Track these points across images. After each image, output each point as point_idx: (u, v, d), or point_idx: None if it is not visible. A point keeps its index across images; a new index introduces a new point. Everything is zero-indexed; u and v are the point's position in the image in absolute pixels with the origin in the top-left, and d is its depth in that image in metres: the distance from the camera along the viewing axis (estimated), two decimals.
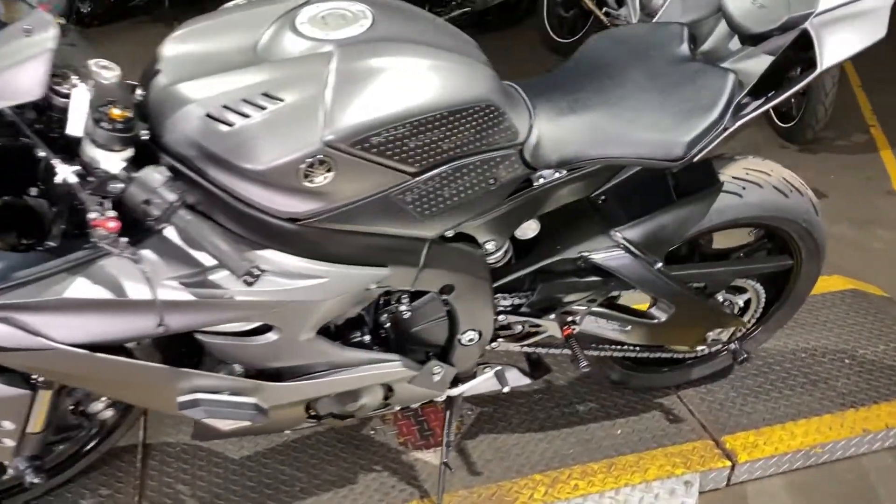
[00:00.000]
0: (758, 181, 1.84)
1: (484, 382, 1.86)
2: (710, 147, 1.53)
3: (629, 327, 1.89)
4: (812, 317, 2.62)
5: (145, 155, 1.25)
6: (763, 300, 2.07)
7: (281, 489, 1.98)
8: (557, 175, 1.56)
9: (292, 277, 1.35)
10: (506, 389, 1.84)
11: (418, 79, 1.32)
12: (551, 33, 5.14)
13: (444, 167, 1.40)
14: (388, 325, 1.65)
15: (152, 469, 2.03)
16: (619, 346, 1.99)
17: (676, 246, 1.82)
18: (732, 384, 2.33)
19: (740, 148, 3.95)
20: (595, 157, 1.53)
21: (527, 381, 1.96)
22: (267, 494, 1.97)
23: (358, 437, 2.13)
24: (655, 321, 1.89)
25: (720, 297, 2.00)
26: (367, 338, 1.61)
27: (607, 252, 1.73)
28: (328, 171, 1.25)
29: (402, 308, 1.61)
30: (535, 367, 2.03)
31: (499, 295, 1.75)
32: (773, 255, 2.02)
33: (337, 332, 1.60)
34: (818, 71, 1.44)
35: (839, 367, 2.41)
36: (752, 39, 1.60)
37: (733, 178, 1.83)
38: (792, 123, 4.06)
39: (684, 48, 1.64)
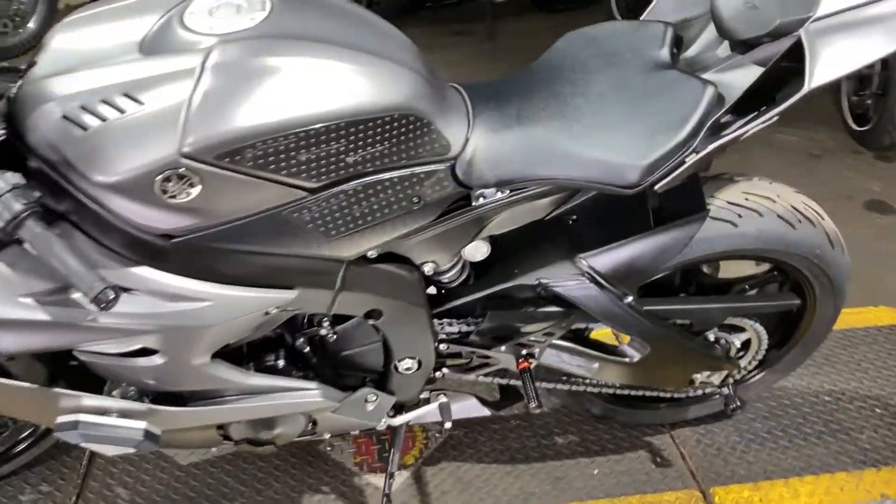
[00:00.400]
0: (758, 208, 1.58)
1: (431, 413, 1.69)
2: (675, 173, 1.30)
3: (596, 364, 1.68)
4: (846, 354, 2.32)
5: (10, 156, 1.13)
6: (765, 342, 1.81)
7: (220, 502, 1.87)
8: (500, 195, 1.36)
9: (169, 299, 1.21)
10: (447, 425, 1.66)
11: (309, 82, 1.14)
12: (618, 16, 4.86)
13: (351, 184, 1.22)
14: (313, 349, 1.50)
15: (97, 468, 1.95)
16: (594, 381, 1.78)
17: (653, 278, 1.59)
18: (737, 426, 2.08)
19: (807, 150, 3.66)
20: (538, 177, 1.33)
21: (485, 412, 1.78)
22: None
23: (313, 453, 2.00)
24: (627, 360, 1.67)
25: (711, 336, 1.76)
26: (281, 362, 1.46)
27: (569, 280, 1.52)
28: (190, 186, 1.10)
29: (326, 332, 1.46)
30: (506, 395, 1.85)
31: (444, 320, 1.57)
32: (778, 293, 1.76)
33: (250, 354, 1.46)
34: (804, 91, 1.18)
35: (867, 417, 2.12)
36: (741, 46, 1.35)
37: (729, 203, 1.57)
38: (868, 126, 3.65)
39: (664, 53, 1.40)
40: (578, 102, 1.36)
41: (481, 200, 1.36)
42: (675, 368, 1.73)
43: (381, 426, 1.67)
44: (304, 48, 1.16)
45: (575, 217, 1.52)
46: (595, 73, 1.41)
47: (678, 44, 1.44)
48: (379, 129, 1.19)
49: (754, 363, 1.87)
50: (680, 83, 1.34)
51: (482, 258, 1.51)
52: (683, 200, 1.52)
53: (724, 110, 1.30)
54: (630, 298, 1.55)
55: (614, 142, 1.30)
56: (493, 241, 1.49)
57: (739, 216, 1.56)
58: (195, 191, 1.10)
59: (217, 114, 1.08)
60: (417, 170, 1.26)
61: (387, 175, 1.24)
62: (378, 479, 1.93)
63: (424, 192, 1.28)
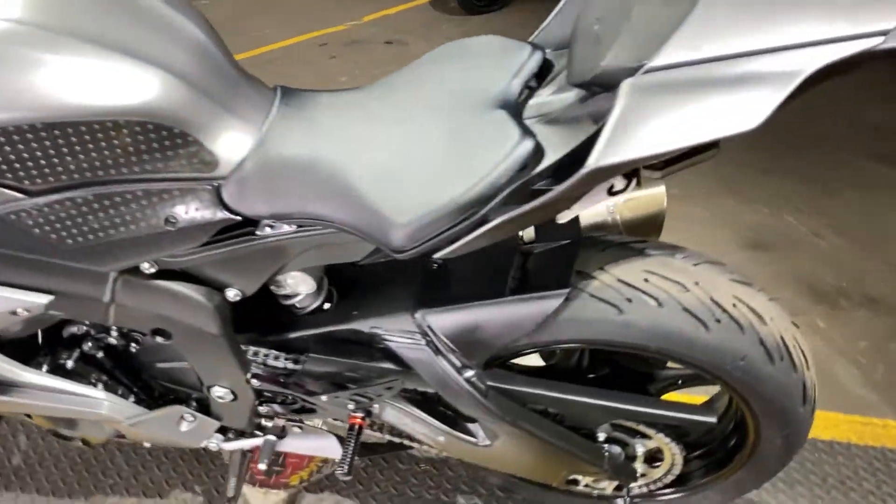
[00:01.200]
0: (658, 295, 1.22)
1: (266, 443, 1.53)
2: (458, 244, 1.01)
3: (442, 438, 1.41)
4: (872, 481, 1.83)
5: None
6: (679, 457, 1.44)
7: (97, 476, 1.84)
8: (287, 229, 1.15)
9: None
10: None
11: (5, 73, 0.98)
12: None
13: (79, 191, 1.07)
14: (113, 357, 1.38)
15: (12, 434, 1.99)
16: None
17: (497, 353, 1.30)
18: None
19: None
20: (311, 215, 1.10)
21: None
22: (71, 479, 1.83)
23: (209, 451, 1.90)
24: (474, 441, 1.39)
25: (601, 435, 1.42)
26: (70, 364, 1.36)
27: (404, 336, 1.28)
28: None
29: (117, 343, 1.34)
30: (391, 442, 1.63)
31: (272, 352, 1.38)
32: (689, 405, 1.38)
33: (44, 350, 1.37)
34: (584, 172, 0.83)
35: None
36: (585, 90, 1.02)
37: (620, 282, 1.23)
38: None
39: (514, 85, 1.10)
40: (386, 131, 1.10)
41: (267, 231, 1.15)
42: (540, 463, 1.42)
43: (213, 448, 1.53)
44: (21, 36, 1.00)
45: (441, 262, 1.28)
46: (431, 96, 1.14)
47: (544, 74, 1.13)
48: (101, 135, 1.02)
49: (671, 478, 1.50)
50: (498, 129, 1.03)
51: (306, 291, 1.31)
52: (549, 271, 1.22)
53: (534, 173, 0.99)
54: (470, 372, 1.28)
55: (392, 190, 1.03)
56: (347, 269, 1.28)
57: (629, 301, 1.22)
58: None
59: None
60: (167, 186, 1.08)
61: (125, 187, 1.07)
62: (255, 494, 1.80)
63: (178, 212, 1.10)
